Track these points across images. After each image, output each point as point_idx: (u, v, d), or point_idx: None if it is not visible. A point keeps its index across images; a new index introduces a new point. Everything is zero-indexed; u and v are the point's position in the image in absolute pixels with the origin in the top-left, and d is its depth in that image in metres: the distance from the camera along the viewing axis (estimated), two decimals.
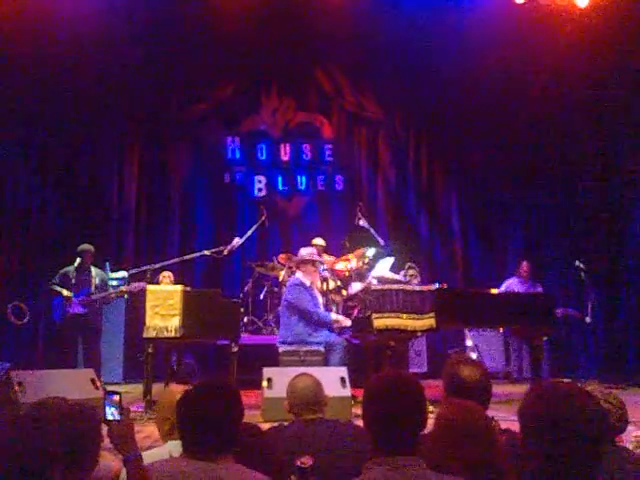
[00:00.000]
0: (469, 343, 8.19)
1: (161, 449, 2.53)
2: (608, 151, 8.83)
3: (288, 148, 9.98)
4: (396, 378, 2.13)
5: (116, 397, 2.09)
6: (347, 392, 4.89)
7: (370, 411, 2.05)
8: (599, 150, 8.85)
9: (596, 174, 8.88)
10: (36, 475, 1.60)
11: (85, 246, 7.00)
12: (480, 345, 8.27)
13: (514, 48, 8.45)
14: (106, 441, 2.11)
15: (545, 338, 6.60)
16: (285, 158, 9.98)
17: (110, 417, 2.05)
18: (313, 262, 6.44)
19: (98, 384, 5.14)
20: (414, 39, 8.85)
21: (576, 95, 8.68)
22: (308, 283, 6.32)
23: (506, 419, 3.11)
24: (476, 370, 2.76)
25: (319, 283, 6.91)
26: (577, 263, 7.63)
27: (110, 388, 3.98)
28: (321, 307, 6.41)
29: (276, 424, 3.00)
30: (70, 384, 4.86)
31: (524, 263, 8.22)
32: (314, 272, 6.48)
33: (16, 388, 4.58)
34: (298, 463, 2.24)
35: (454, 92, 9.20)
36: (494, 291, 6.55)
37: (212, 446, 1.97)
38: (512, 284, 8.07)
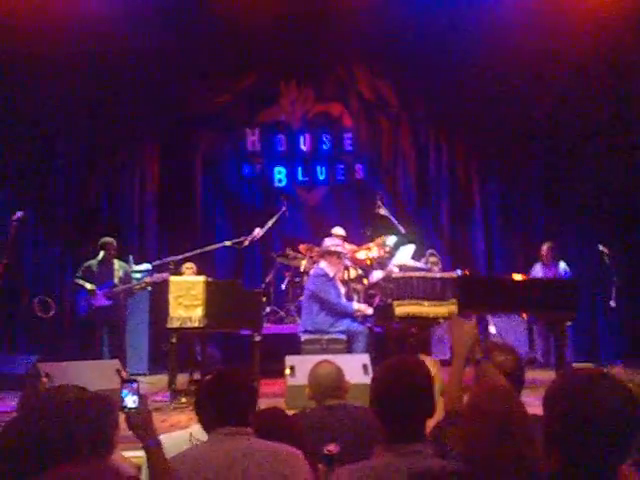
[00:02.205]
0: (492, 330, 8.15)
1: (182, 432, 2.59)
2: (633, 133, 8.69)
3: (307, 138, 9.98)
4: (402, 364, 2.13)
5: (134, 385, 2.12)
6: (369, 379, 4.89)
7: (376, 396, 2.07)
8: (623, 132, 8.71)
9: (619, 155, 8.75)
10: (59, 461, 1.62)
11: (107, 239, 7.08)
12: (503, 332, 8.23)
13: (535, 32, 8.32)
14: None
15: (569, 323, 6.55)
16: (304, 148, 9.98)
17: (131, 405, 2.08)
18: (338, 254, 6.45)
19: (124, 374, 5.21)
20: (432, 26, 8.77)
21: (599, 79, 8.55)
22: (331, 274, 6.33)
23: (532, 404, 3.10)
24: (510, 356, 2.76)
25: (340, 273, 6.94)
26: (600, 247, 7.54)
27: (129, 377, 4.04)
28: (343, 298, 6.42)
29: (299, 410, 3.03)
30: (96, 375, 4.94)
31: (544, 247, 8.01)
32: (338, 263, 6.49)
33: (44, 380, 4.66)
34: (325, 451, 2.27)
35: (474, 78, 9.09)
36: (516, 277, 6.50)
37: (235, 422, 2.19)
38: (536, 269, 7.98)
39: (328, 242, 6.57)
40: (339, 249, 6.51)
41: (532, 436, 1.92)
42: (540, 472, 1.74)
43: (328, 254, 6.41)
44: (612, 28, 8.01)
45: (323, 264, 6.42)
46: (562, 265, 7.95)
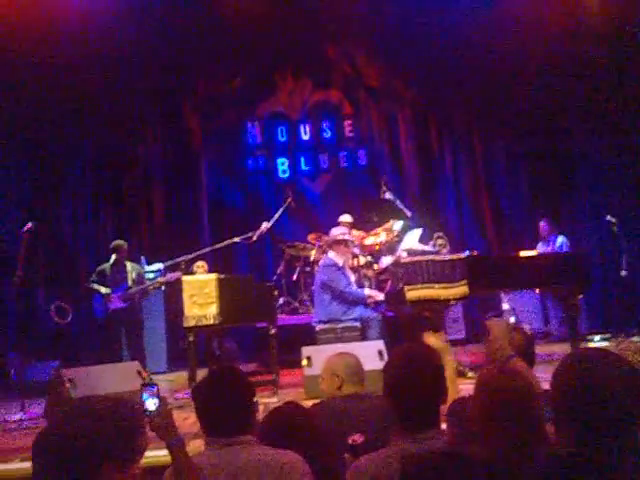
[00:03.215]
0: (506, 306, 8.19)
1: None
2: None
3: (308, 128, 10.01)
4: (411, 352, 2.16)
5: (154, 388, 2.17)
6: None
7: (389, 385, 2.11)
8: (629, 103, 8.66)
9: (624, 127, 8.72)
10: (91, 470, 1.69)
11: (118, 242, 7.16)
12: (517, 307, 8.27)
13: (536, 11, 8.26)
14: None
15: (580, 296, 6.57)
16: (306, 138, 10.02)
17: (152, 408, 2.13)
18: (345, 242, 6.50)
19: (144, 375, 5.30)
20: (426, 9, 8.73)
21: (604, 48, 8.47)
22: (341, 263, 6.39)
23: (547, 380, 3.15)
24: (520, 334, 2.81)
25: (350, 261, 6.98)
26: (608, 217, 7.54)
27: (147, 381, 4.12)
28: (353, 285, 6.47)
29: (318, 401, 3.10)
30: (118, 377, 5.03)
31: (541, 223, 8.18)
32: (346, 252, 6.54)
33: (67, 385, 4.75)
34: (350, 441, 2.32)
35: (475, 58, 9.03)
36: (524, 253, 6.54)
37: (228, 428, 2.17)
38: (539, 247, 8.08)
39: (335, 231, 6.62)
40: (346, 237, 6.56)
41: (540, 416, 1.98)
42: (546, 450, 1.79)
43: (336, 243, 6.46)
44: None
45: (332, 254, 6.47)
46: (560, 239, 8.03)
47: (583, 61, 8.39)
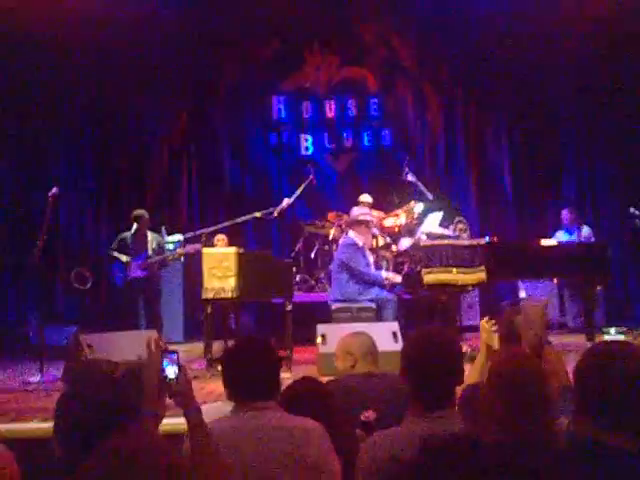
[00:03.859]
0: (523, 294, 8.16)
1: (216, 404, 2.70)
2: None
3: (333, 105, 9.94)
4: (432, 336, 2.19)
5: (174, 356, 2.20)
6: (399, 346, 4.96)
7: (408, 365, 2.14)
8: None
9: None
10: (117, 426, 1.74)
11: (140, 211, 7.22)
12: (534, 296, 8.23)
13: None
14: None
15: (599, 287, 6.54)
16: (330, 115, 9.95)
17: (171, 375, 2.17)
18: (367, 223, 6.49)
19: (161, 344, 5.37)
20: None
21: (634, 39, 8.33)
22: (360, 243, 6.38)
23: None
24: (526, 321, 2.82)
25: (370, 242, 6.98)
26: (631, 210, 7.45)
27: (166, 346, 4.18)
28: (372, 267, 6.48)
29: (332, 378, 3.13)
30: (135, 345, 5.06)
31: (564, 212, 8.01)
32: (367, 232, 6.52)
33: (86, 350, 4.84)
34: (362, 417, 2.35)
35: (503, 42, 8.92)
36: (545, 242, 6.49)
37: (255, 394, 2.23)
38: (559, 236, 7.93)
39: (356, 211, 6.62)
40: (368, 218, 6.56)
41: (551, 404, 1.99)
42: (556, 435, 1.82)
43: (357, 224, 6.46)
44: None
45: (352, 233, 6.47)
46: (585, 230, 7.89)
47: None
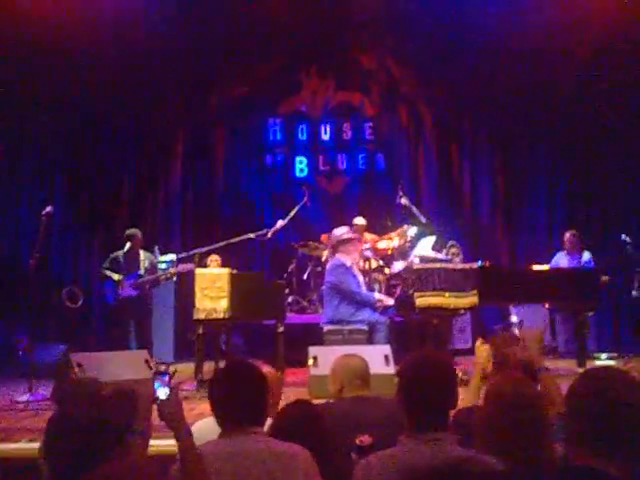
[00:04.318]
0: (514, 319, 8.16)
1: (208, 420, 2.68)
2: None
3: (328, 128, 10.03)
4: (428, 359, 2.22)
5: (166, 377, 2.21)
6: (391, 370, 4.97)
7: (403, 389, 2.16)
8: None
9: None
10: (105, 451, 1.73)
11: (133, 230, 7.23)
12: (525, 321, 8.23)
13: (556, 13, 8.24)
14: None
15: (591, 313, 6.56)
16: (325, 138, 10.03)
17: (162, 396, 2.17)
18: (350, 240, 6.48)
19: (152, 364, 5.34)
20: (453, 16, 8.73)
21: (625, 64, 8.46)
22: (349, 263, 6.36)
23: None
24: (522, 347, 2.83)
25: (361, 262, 6.97)
26: (623, 237, 7.51)
27: (161, 369, 4.16)
28: (363, 286, 6.47)
29: (323, 401, 3.12)
30: (126, 365, 5.07)
31: (567, 235, 7.94)
32: (354, 251, 6.51)
33: (76, 369, 4.80)
34: (357, 442, 2.35)
35: (497, 67, 9.04)
36: (536, 267, 6.53)
37: (242, 420, 2.22)
38: (559, 258, 7.91)
39: (337, 232, 6.58)
40: (351, 235, 6.53)
41: (549, 428, 2.00)
42: (554, 460, 1.82)
43: (342, 244, 6.43)
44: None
45: (339, 255, 6.44)
46: (586, 255, 7.87)
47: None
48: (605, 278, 7.34)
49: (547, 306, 7.92)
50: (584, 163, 9.20)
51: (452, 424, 2.36)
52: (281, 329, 5.92)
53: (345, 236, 6.44)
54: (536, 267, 6.59)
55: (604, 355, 7.39)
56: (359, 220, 8.12)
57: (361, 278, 6.59)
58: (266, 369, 3.06)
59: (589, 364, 5.88)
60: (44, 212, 5.84)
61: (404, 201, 7.64)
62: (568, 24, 8.25)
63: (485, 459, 1.91)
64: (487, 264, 5.80)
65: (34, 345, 6.17)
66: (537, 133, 9.40)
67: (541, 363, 2.74)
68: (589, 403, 1.66)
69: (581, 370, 5.31)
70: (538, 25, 8.25)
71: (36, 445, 1.81)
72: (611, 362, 7.00)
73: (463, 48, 9.02)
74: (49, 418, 1.90)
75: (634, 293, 7.38)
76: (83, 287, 7.64)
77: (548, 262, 7.77)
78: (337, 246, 6.51)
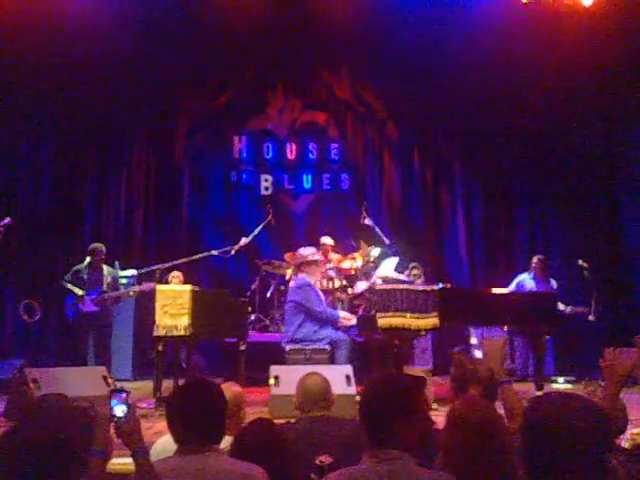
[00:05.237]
0: (474, 341, 8.26)
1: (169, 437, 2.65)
2: (616, 146, 8.93)
3: (294, 147, 10.08)
4: (390, 378, 2.26)
5: (123, 395, 2.18)
6: (352, 390, 4.99)
7: (364, 407, 2.18)
8: (607, 144, 8.95)
9: (600, 169, 9.00)
10: (58, 470, 1.70)
11: (96, 245, 7.12)
12: (493, 337, 8.33)
13: (521, 45, 8.47)
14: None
15: (548, 336, 6.67)
16: (291, 157, 10.08)
17: (119, 414, 2.14)
18: (316, 262, 6.51)
19: (110, 381, 5.25)
20: (420, 38, 8.90)
21: (584, 91, 8.74)
22: (312, 282, 6.40)
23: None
24: (481, 368, 2.87)
25: (325, 282, 7.00)
26: (580, 262, 7.68)
27: (118, 386, 4.10)
28: (324, 304, 6.49)
29: (283, 421, 3.11)
30: (83, 381, 4.97)
31: (535, 259, 7.98)
32: (317, 271, 6.55)
33: (31, 385, 4.69)
34: (317, 462, 2.35)
35: (461, 90, 9.23)
36: (496, 290, 6.63)
37: (199, 438, 2.21)
38: (524, 281, 7.94)
39: (303, 252, 6.61)
40: (317, 257, 6.57)
41: (511, 449, 2.03)
42: None
43: (306, 264, 6.46)
44: (597, 34, 8.12)
45: (302, 274, 6.47)
46: (553, 282, 7.94)
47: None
48: (570, 309, 7.50)
49: (506, 329, 8.04)
50: (545, 185, 9.46)
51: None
52: (243, 347, 5.89)
53: (310, 257, 6.47)
54: (495, 290, 6.70)
55: (561, 379, 7.51)
56: (326, 239, 8.16)
57: (323, 297, 6.62)
58: (235, 388, 3.05)
59: (547, 387, 5.96)
60: (2, 223, 5.73)
61: (368, 221, 7.73)
62: (537, 49, 8.51)
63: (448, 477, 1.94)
64: (448, 286, 5.87)
65: None
66: (500, 158, 9.60)
67: (503, 376, 2.77)
68: (536, 426, 1.69)
69: (539, 393, 5.39)
70: (510, 48, 8.48)
71: None
72: (568, 386, 7.13)
73: (432, 68, 9.19)
74: (1, 434, 1.86)
75: (591, 317, 7.55)
76: (41, 300, 7.46)
77: (508, 284, 7.90)
78: (301, 266, 6.51)
